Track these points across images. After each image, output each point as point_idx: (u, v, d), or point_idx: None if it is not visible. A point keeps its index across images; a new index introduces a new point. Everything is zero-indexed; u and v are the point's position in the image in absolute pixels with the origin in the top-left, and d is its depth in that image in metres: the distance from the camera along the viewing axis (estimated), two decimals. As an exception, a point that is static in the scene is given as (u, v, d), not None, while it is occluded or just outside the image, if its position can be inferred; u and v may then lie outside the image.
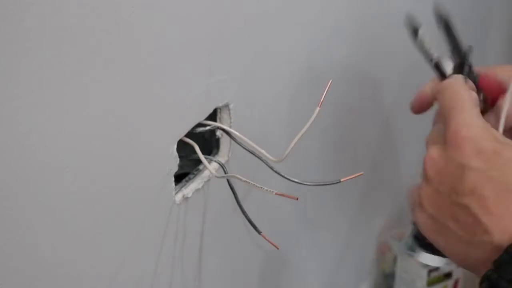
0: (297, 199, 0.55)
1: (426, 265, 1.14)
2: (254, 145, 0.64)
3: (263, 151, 0.63)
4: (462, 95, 0.53)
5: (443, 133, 0.53)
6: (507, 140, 0.51)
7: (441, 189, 0.50)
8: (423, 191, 0.53)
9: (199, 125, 0.64)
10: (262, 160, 0.64)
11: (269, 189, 0.57)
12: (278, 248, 0.58)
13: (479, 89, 0.60)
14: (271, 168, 0.64)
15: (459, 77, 0.56)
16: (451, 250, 0.50)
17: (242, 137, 0.65)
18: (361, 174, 0.61)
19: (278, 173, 0.63)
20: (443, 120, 0.54)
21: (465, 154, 0.49)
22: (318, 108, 0.59)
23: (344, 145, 1.04)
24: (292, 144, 0.60)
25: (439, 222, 0.50)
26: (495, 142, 0.49)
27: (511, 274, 0.42)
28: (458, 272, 1.20)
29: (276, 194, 0.56)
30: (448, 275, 1.19)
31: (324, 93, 0.59)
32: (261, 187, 0.57)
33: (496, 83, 0.63)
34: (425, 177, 0.53)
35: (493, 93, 0.64)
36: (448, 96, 0.54)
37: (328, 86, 0.60)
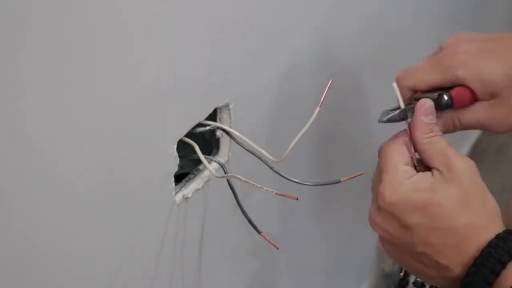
0: (297, 199, 0.55)
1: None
2: (254, 145, 0.64)
3: (263, 151, 0.63)
4: (390, 157, 0.56)
5: (377, 196, 0.56)
6: (430, 178, 0.54)
7: (397, 243, 0.55)
8: (383, 246, 0.58)
9: (199, 125, 0.64)
10: (262, 160, 0.64)
11: (269, 189, 0.57)
12: (278, 248, 0.58)
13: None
14: (271, 168, 0.64)
15: (391, 141, 0.58)
16: (425, 279, 0.58)
17: (242, 137, 0.65)
18: (361, 174, 0.61)
19: (278, 173, 0.63)
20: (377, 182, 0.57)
21: (401, 215, 0.53)
22: (318, 108, 0.59)
23: (345, 145, 1.04)
24: (292, 144, 0.60)
25: (408, 263, 0.56)
26: (423, 193, 0.53)
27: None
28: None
29: (276, 194, 0.56)
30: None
31: (324, 93, 0.59)
32: (261, 187, 0.57)
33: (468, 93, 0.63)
34: (378, 235, 0.57)
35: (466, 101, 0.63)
36: (380, 158, 0.58)
37: (328, 85, 0.60)
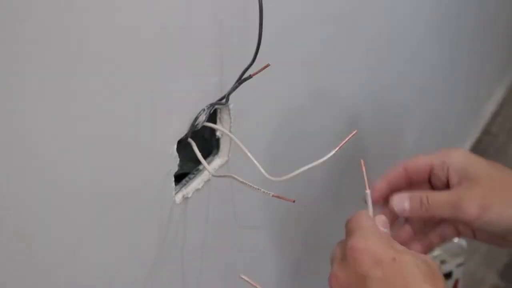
0: (294, 201, 0.54)
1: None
2: (254, 160, 0.62)
3: (261, 169, 0.61)
4: (361, 220, 0.57)
5: (344, 251, 0.55)
6: (404, 249, 0.54)
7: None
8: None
9: (199, 125, 0.64)
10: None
11: (266, 191, 0.56)
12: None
13: None
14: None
15: (363, 211, 0.60)
16: None
17: (241, 145, 0.63)
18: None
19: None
20: (345, 242, 0.57)
21: (364, 265, 0.52)
22: (334, 151, 0.58)
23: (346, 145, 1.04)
24: (296, 172, 0.58)
25: None
26: (393, 250, 0.52)
27: None
28: (458, 272, 1.21)
29: (273, 196, 0.55)
30: (448, 275, 1.19)
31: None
32: (258, 189, 0.56)
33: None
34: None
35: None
36: (350, 221, 0.58)
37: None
